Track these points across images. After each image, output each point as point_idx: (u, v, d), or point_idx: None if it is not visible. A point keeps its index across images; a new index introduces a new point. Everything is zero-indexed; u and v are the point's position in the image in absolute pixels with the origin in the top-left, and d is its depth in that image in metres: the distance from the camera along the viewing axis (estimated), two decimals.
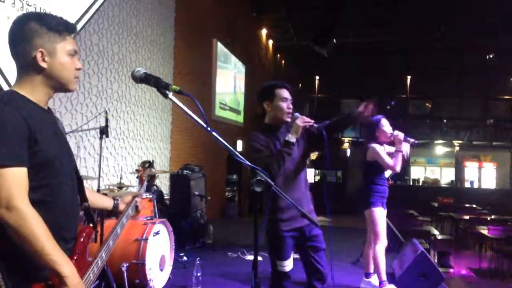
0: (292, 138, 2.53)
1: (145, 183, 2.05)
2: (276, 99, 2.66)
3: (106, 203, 1.73)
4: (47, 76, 1.38)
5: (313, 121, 2.59)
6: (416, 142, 3.94)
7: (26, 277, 1.27)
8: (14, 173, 1.23)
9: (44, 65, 1.36)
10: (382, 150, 3.83)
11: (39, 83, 1.38)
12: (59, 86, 1.42)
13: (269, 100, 2.68)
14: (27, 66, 1.37)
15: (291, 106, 2.68)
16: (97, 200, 1.70)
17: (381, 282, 3.90)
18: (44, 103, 1.42)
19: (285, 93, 2.67)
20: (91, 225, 1.57)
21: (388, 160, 3.76)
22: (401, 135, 3.75)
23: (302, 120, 2.56)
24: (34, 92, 1.37)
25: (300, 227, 2.60)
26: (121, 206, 1.75)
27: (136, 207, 1.82)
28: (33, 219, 1.22)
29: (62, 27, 1.39)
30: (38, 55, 1.35)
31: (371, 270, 4.13)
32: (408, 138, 3.81)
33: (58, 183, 1.37)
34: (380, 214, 3.88)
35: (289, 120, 2.67)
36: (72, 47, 1.41)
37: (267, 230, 2.62)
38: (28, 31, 1.35)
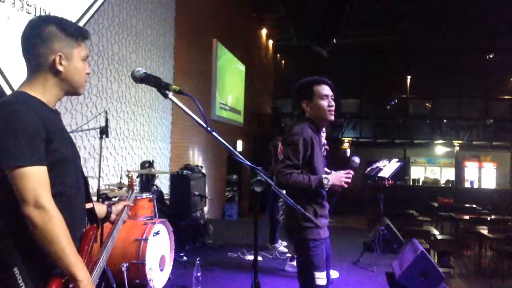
0: (327, 185, 2.31)
1: (135, 191, 2.02)
2: (315, 97, 2.41)
3: (100, 209, 1.72)
4: (61, 79, 1.42)
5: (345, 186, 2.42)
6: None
7: (44, 273, 1.29)
8: (38, 171, 1.26)
9: (61, 68, 1.40)
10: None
11: (52, 84, 1.41)
12: (71, 89, 1.46)
13: (308, 98, 2.43)
14: (42, 68, 1.39)
15: (332, 104, 2.43)
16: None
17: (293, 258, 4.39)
18: (53, 105, 1.44)
19: (325, 89, 2.42)
20: (94, 225, 1.58)
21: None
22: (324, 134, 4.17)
23: (348, 180, 2.38)
24: (45, 93, 1.40)
25: (327, 238, 2.43)
26: (113, 216, 1.74)
27: (124, 218, 1.81)
28: (58, 220, 1.25)
29: (78, 33, 1.45)
30: (57, 59, 1.38)
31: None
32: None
33: (68, 182, 1.40)
34: None
35: (332, 118, 2.43)
36: (86, 52, 1.48)
37: (301, 238, 2.33)
38: (47, 34, 1.38)
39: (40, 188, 1.24)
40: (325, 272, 2.32)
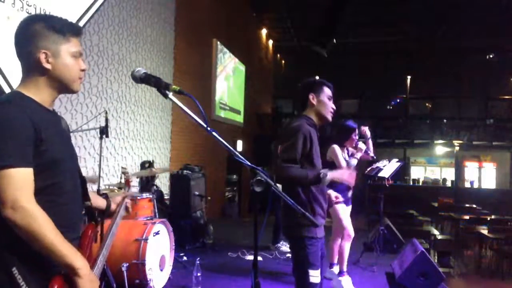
0: (326, 179, 2.31)
1: (131, 186, 2.08)
2: (323, 94, 2.56)
3: (100, 203, 1.74)
4: (50, 77, 1.38)
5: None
6: (375, 157, 4.35)
7: (45, 271, 1.29)
8: (20, 173, 1.24)
9: (48, 66, 1.36)
10: (340, 152, 4.06)
11: (43, 84, 1.39)
12: (62, 87, 1.42)
13: (316, 93, 2.55)
14: (31, 67, 1.37)
15: (334, 107, 2.58)
16: (92, 199, 1.70)
17: (342, 272, 4.24)
18: (49, 104, 1.42)
19: (330, 92, 2.58)
20: (93, 223, 1.58)
21: (343, 163, 4.06)
22: (364, 147, 4.23)
23: (351, 178, 2.41)
24: (39, 93, 1.38)
25: (323, 237, 2.44)
26: (113, 206, 1.77)
27: (127, 207, 1.84)
28: (39, 217, 1.24)
29: (66, 29, 1.40)
30: (42, 56, 1.35)
31: (335, 261, 4.37)
32: (369, 152, 4.31)
33: (62, 182, 1.39)
34: (343, 210, 4.14)
35: (330, 119, 2.57)
36: (77, 48, 1.42)
37: (297, 235, 2.36)
38: (33, 33, 1.36)
39: (19, 190, 1.23)
40: (319, 271, 2.35)
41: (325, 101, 2.55)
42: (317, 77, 2.71)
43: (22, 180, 1.24)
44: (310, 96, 2.55)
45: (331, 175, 2.33)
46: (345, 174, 2.43)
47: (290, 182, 2.34)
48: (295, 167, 2.32)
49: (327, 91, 2.57)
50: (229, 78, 10.63)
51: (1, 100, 1.35)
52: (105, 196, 1.80)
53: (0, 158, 1.22)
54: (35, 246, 1.23)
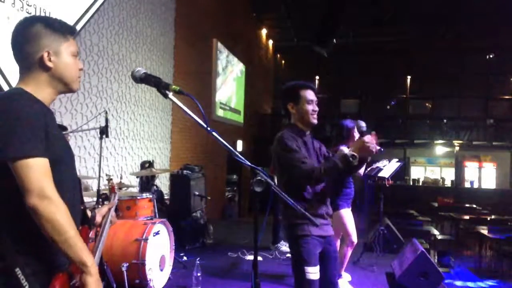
0: (355, 160, 2.27)
1: (117, 194, 2.06)
2: (301, 101, 2.51)
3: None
4: (52, 75, 1.41)
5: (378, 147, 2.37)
6: (383, 149, 4.16)
7: (46, 271, 1.30)
8: (43, 163, 1.26)
9: (50, 64, 1.39)
10: None
11: (44, 83, 1.41)
12: (62, 85, 1.45)
13: (294, 102, 2.53)
14: (32, 66, 1.39)
15: (316, 109, 2.54)
16: None
17: (339, 275, 4.14)
18: (47, 104, 1.43)
19: (310, 94, 2.52)
20: (86, 226, 1.58)
21: None
22: None
23: (373, 145, 2.35)
24: (39, 92, 1.39)
25: (326, 236, 2.46)
26: (98, 218, 1.74)
27: (111, 220, 1.79)
28: (65, 209, 1.25)
29: (65, 29, 1.44)
30: (45, 55, 1.38)
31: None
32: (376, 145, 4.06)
33: (64, 181, 1.39)
34: (348, 215, 4.02)
35: (315, 122, 2.53)
36: (75, 48, 1.46)
37: (292, 235, 2.40)
38: (34, 33, 1.38)
39: (44, 178, 1.24)
40: (317, 267, 2.34)
41: (304, 108, 2.50)
42: (314, 79, 2.69)
43: (44, 169, 1.25)
44: (289, 107, 2.54)
45: (357, 152, 2.31)
46: (365, 147, 2.34)
47: (326, 177, 2.28)
48: (318, 168, 2.29)
49: (304, 95, 2.51)
50: (229, 78, 10.63)
51: (10, 93, 1.36)
52: (105, 196, 1.79)
53: (22, 149, 1.23)
54: (53, 237, 1.23)
